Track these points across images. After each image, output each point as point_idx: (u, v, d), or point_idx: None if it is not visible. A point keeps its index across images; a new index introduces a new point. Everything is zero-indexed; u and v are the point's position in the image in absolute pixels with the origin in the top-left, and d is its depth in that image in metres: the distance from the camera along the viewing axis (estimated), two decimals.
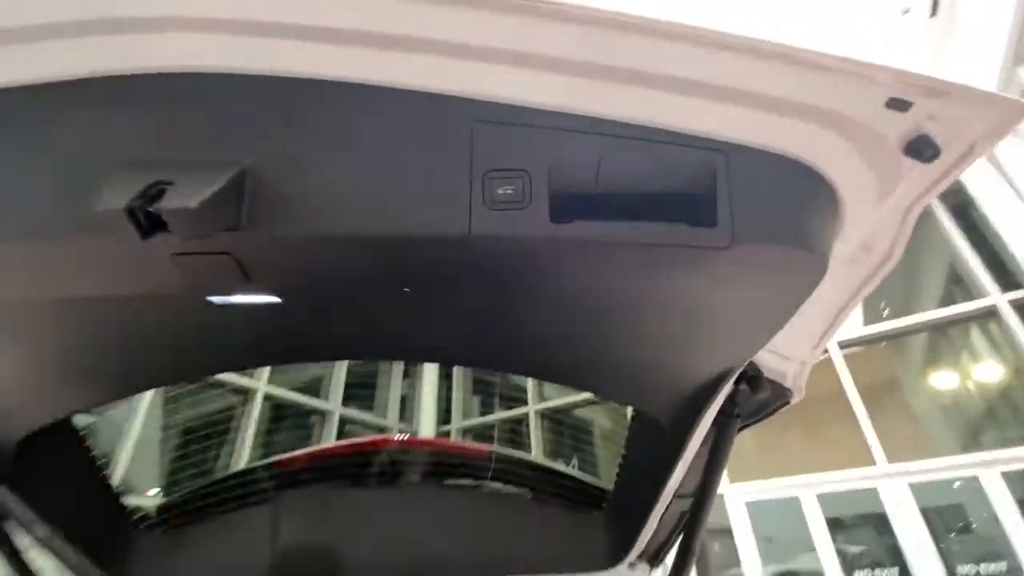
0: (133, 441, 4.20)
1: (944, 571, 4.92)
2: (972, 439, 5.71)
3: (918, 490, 5.32)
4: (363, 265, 0.61)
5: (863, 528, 5.69)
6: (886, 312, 6.79)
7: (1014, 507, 4.84)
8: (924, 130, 0.50)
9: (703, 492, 0.99)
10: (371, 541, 1.22)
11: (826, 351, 6.10)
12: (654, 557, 1.31)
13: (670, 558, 1.27)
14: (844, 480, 5.69)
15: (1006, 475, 5.02)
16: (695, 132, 0.50)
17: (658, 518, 1.14)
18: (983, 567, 4.98)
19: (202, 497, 1.27)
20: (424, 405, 8.63)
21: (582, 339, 0.79)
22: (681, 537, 1.11)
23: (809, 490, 5.73)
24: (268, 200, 0.50)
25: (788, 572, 6.07)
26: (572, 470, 1.45)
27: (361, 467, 1.22)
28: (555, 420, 7.77)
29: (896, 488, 5.38)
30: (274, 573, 1.20)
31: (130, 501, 1.18)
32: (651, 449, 1.04)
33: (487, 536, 1.25)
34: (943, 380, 6.39)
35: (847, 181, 0.57)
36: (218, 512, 1.23)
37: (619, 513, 1.28)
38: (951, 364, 6.36)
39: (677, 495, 1.06)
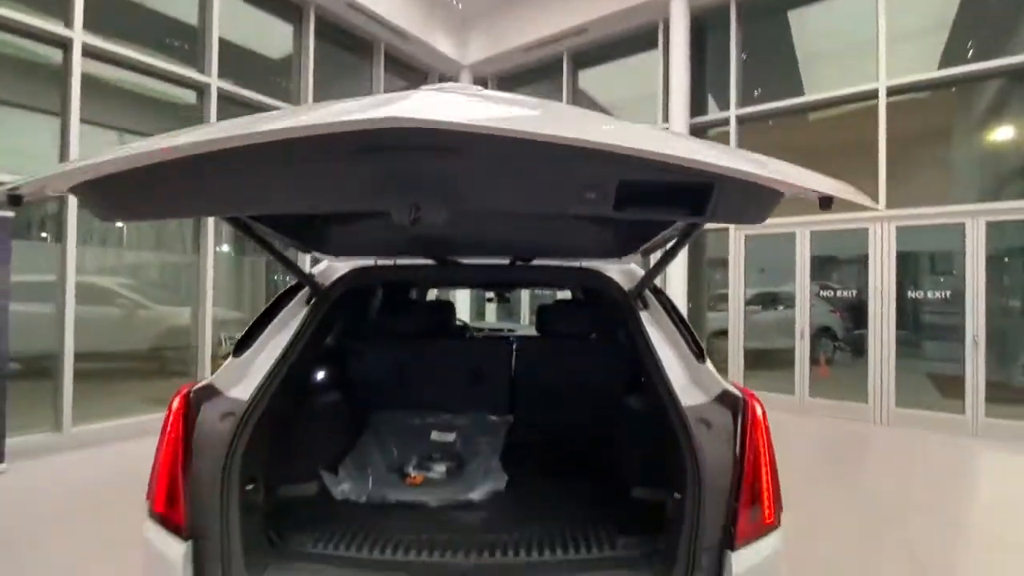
0: None
1: (894, 296, 5.98)
2: (997, 192, 5.90)
3: (918, 235, 5.95)
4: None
5: (854, 266, 6.53)
6: (970, 55, 6.19)
7: (982, 252, 5.53)
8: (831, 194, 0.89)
9: (683, 237, 1.48)
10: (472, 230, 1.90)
11: (875, 98, 5.90)
12: (647, 252, 2.01)
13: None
14: (835, 221, 6.33)
15: (992, 225, 5.54)
16: (703, 166, 0.80)
17: (652, 241, 1.78)
18: (930, 294, 6.03)
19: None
20: None
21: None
22: (667, 248, 1.64)
23: (804, 228, 6.46)
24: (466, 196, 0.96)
25: (768, 292, 7.38)
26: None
27: None
28: None
29: (884, 231, 6.05)
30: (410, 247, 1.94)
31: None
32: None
33: (548, 233, 1.89)
34: (996, 133, 6.19)
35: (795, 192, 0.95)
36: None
37: (630, 235, 1.88)
38: (1013, 118, 5.94)
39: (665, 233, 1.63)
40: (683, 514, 1.32)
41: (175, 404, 1.39)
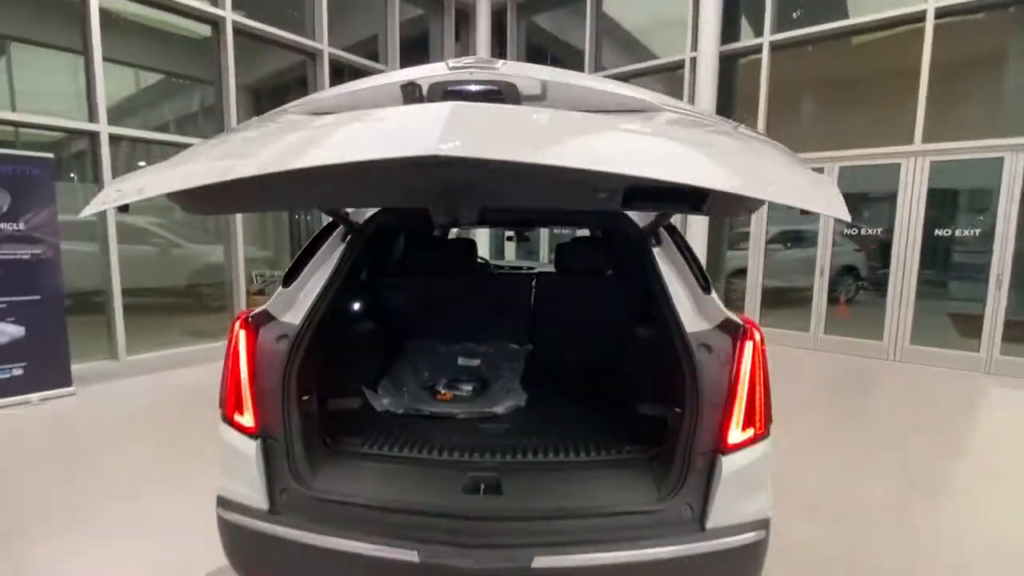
0: None
1: (921, 234, 5.87)
2: None
3: (951, 171, 5.71)
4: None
5: (884, 203, 6.28)
6: None
7: (1018, 188, 5.33)
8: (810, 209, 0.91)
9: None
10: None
11: (923, 20, 5.49)
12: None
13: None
14: (867, 156, 6.12)
15: None
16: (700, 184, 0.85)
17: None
18: (958, 232, 5.88)
19: None
20: None
21: None
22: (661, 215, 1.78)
23: (834, 163, 6.27)
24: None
25: (791, 230, 7.28)
26: None
27: None
28: None
29: (917, 167, 5.84)
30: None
31: None
32: None
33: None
34: None
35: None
36: None
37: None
38: None
39: None
40: (682, 424, 1.50)
41: (236, 327, 1.59)
